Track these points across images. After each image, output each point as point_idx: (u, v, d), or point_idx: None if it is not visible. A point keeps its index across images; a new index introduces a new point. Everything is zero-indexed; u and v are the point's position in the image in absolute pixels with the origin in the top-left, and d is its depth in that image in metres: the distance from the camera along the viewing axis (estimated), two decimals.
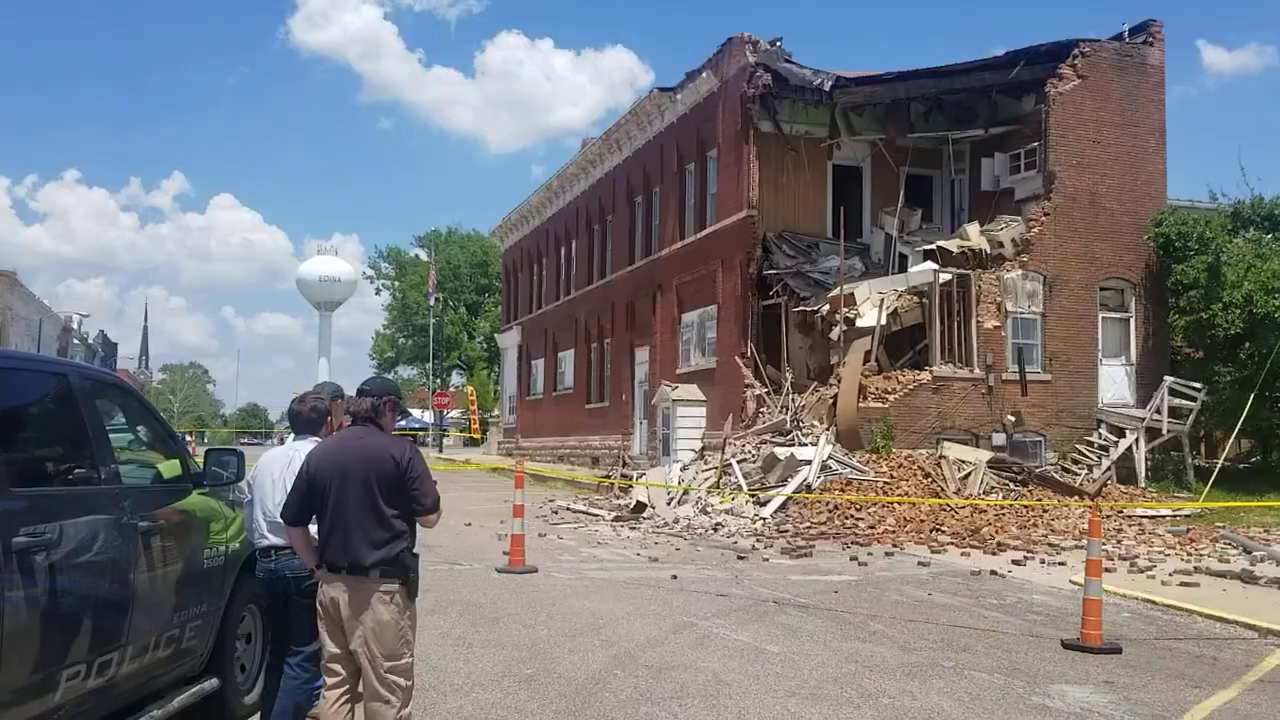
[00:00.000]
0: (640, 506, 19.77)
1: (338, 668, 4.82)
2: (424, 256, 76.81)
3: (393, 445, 4.80)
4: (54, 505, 4.51)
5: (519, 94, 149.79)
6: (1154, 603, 10.76)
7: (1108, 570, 12.31)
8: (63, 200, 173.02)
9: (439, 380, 73.52)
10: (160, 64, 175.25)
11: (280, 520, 5.17)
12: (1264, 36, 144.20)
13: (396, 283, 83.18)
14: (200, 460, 6.13)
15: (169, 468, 5.90)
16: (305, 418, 5.67)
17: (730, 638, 8.75)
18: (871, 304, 21.77)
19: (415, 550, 4.90)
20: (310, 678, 5.37)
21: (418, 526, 4.93)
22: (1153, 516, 18.40)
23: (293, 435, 5.80)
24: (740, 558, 14.00)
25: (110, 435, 5.29)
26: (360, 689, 4.83)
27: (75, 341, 69.82)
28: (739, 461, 19.88)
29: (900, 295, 22.08)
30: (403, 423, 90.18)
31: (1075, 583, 11.37)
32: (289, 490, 5.07)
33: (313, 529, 4.97)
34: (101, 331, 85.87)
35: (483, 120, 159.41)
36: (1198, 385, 22.04)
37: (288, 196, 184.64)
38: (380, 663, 4.68)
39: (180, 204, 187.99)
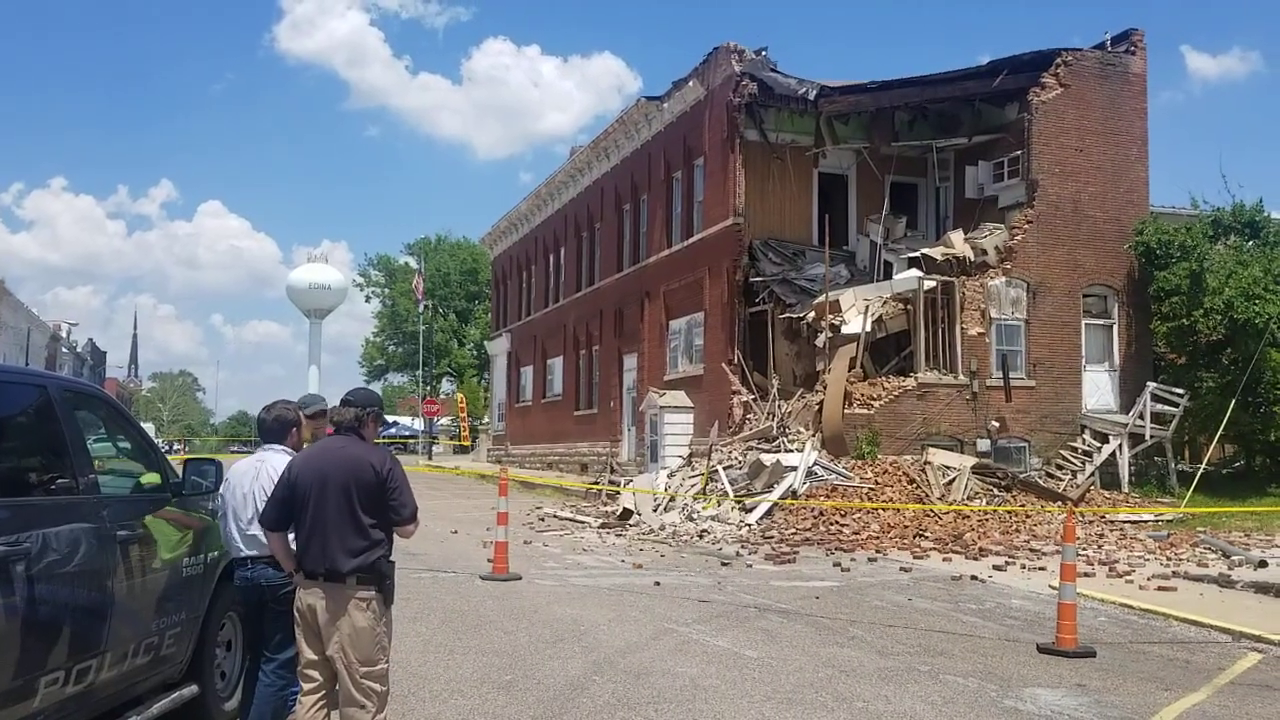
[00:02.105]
0: (627, 513, 19.85)
1: (314, 674, 4.89)
2: (413, 264, 76.85)
3: (373, 455, 4.90)
4: (34, 515, 4.58)
5: (506, 100, 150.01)
6: (1131, 607, 10.88)
7: (1087, 575, 12.48)
8: (49, 207, 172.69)
9: (429, 387, 73.55)
10: (147, 71, 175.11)
11: (252, 532, 5.31)
12: (1248, 42, 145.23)
13: (386, 290, 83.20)
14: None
15: (149, 477, 5.96)
16: (269, 426, 5.72)
17: (710, 643, 8.83)
18: (857, 311, 21.91)
19: (392, 558, 4.98)
20: (285, 684, 5.44)
21: (394, 535, 5.02)
22: (1135, 521, 18.54)
23: (262, 445, 5.84)
24: (724, 564, 14.08)
25: (90, 445, 5.37)
26: (336, 694, 4.90)
27: (64, 350, 69.69)
28: (725, 468, 19.98)
29: (885, 302, 22.23)
30: (392, 430, 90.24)
31: (1054, 587, 11.42)
32: (268, 496, 5.16)
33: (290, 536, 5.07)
34: (90, 340, 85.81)
35: (470, 127, 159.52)
36: (1180, 391, 22.21)
37: (276, 204, 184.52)
38: (356, 668, 4.76)
39: (168, 211, 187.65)
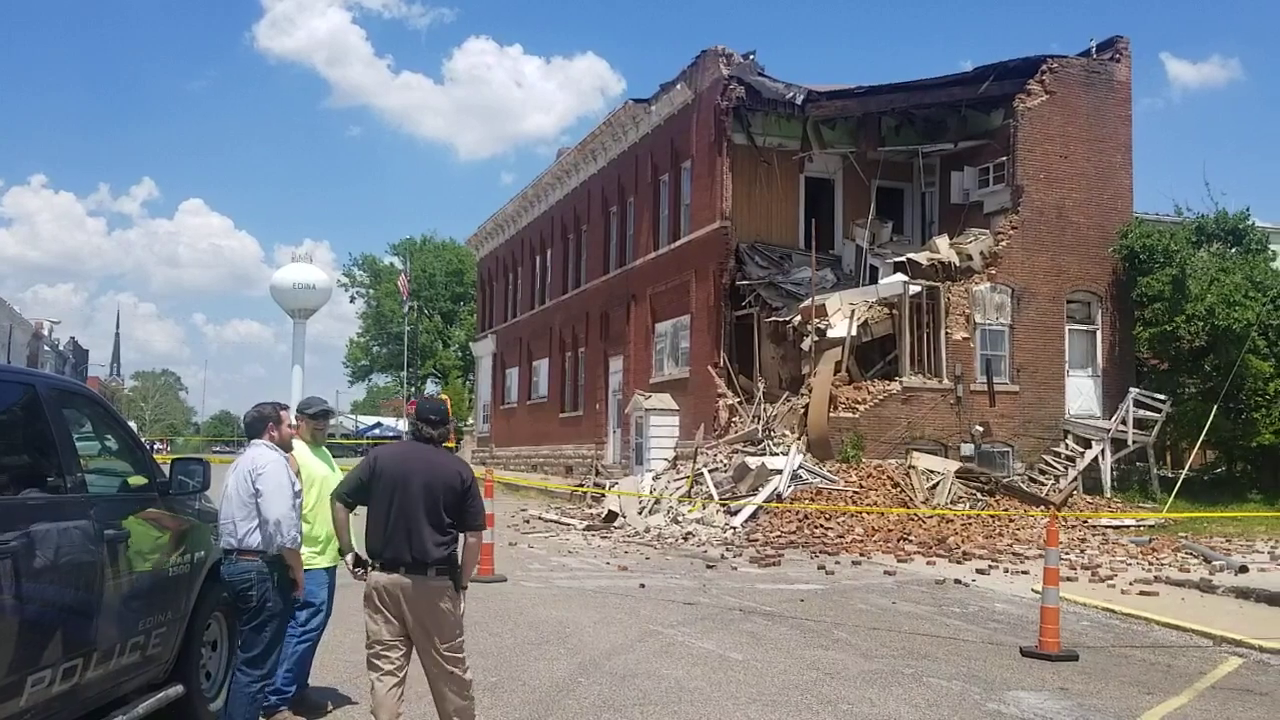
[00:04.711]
0: (612, 516, 19.87)
1: (392, 655, 5.29)
2: (398, 265, 76.64)
3: (459, 466, 5.46)
4: (20, 513, 4.56)
5: (488, 101, 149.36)
6: (1113, 611, 10.96)
7: (1070, 579, 12.57)
8: (29, 204, 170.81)
9: (413, 389, 73.38)
10: (127, 69, 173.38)
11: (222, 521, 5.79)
12: (1227, 49, 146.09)
13: (371, 290, 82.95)
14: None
15: (136, 477, 5.95)
16: (248, 422, 6.11)
17: (695, 645, 8.86)
18: (842, 315, 21.99)
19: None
20: (250, 681, 5.66)
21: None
22: (1117, 526, 18.66)
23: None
24: (709, 566, 14.12)
25: (77, 444, 5.35)
26: (404, 679, 5.38)
27: (46, 348, 69.31)
28: (711, 471, 20.02)
29: (871, 307, 22.31)
30: (376, 430, 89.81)
31: (1037, 591, 11.47)
32: (248, 489, 5.73)
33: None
34: (73, 338, 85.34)
35: (453, 127, 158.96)
36: (1162, 397, 22.36)
37: (257, 202, 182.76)
38: (441, 649, 5.27)
39: (149, 209, 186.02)
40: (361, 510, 5.47)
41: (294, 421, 6.49)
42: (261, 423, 5.97)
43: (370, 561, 5.29)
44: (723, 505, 18.34)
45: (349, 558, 5.43)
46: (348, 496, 5.42)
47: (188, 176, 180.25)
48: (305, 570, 6.17)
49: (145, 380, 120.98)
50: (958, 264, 22.98)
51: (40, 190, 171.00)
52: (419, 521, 5.19)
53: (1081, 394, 23.65)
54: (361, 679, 7.43)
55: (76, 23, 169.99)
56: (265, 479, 5.68)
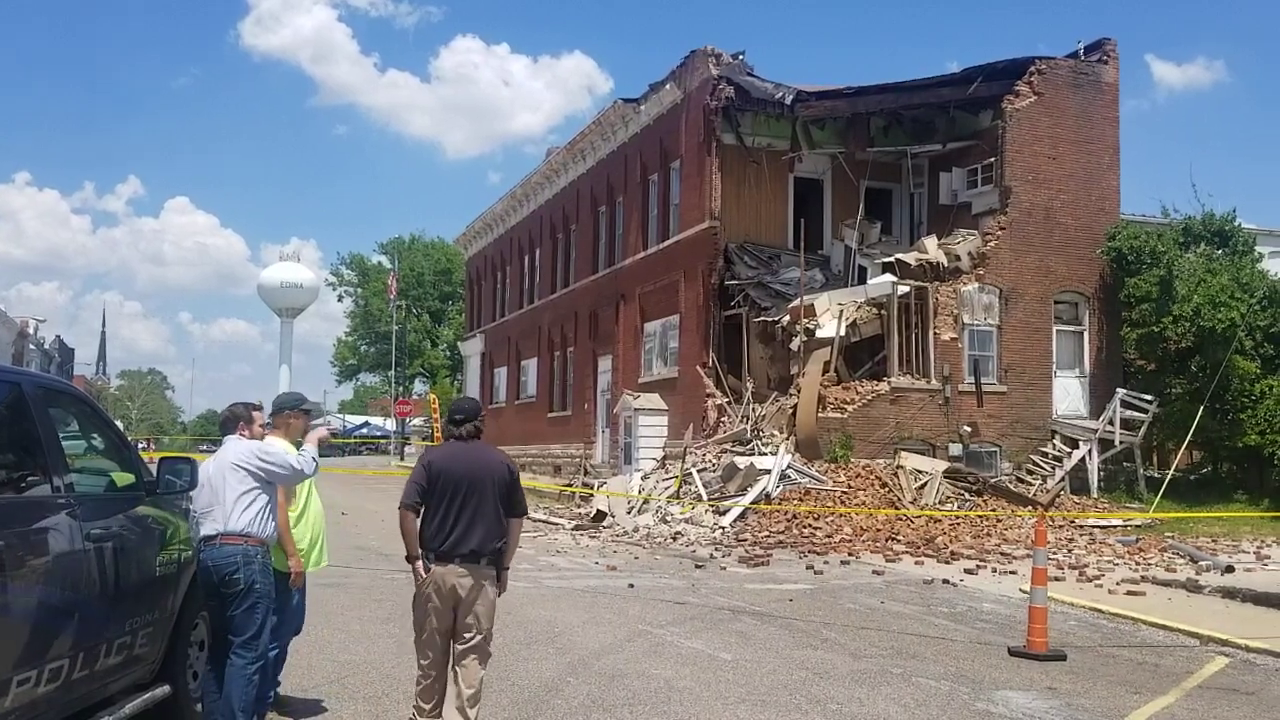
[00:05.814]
0: (600, 515, 19.87)
1: (440, 643, 5.59)
2: (386, 264, 76.46)
3: (505, 458, 5.85)
4: (6, 513, 4.54)
5: (476, 99, 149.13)
6: (1101, 611, 11.00)
7: (1057, 579, 12.61)
8: (13, 202, 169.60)
9: (401, 388, 73.23)
10: (112, 66, 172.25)
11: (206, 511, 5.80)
12: (1212, 51, 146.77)
13: (359, 289, 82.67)
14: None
15: (122, 476, 5.92)
16: (221, 421, 6.29)
17: (684, 645, 8.85)
18: (831, 315, 22.01)
19: None
20: (246, 663, 5.65)
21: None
22: (1104, 526, 18.72)
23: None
24: (698, 566, 14.11)
25: (64, 443, 5.32)
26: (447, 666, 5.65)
27: (31, 347, 68.97)
28: (699, 470, 20.02)
29: (859, 307, 22.34)
30: (364, 430, 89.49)
31: (1025, 591, 11.53)
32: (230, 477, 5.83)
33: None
34: (58, 337, 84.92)
35: (440, 126, 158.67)
36: (1149, 397, 22.45)
37: (243, 200, 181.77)
38: (484, 634, 5.63)
39: (134, 207, 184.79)
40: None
41: (268, 420, 6.59)
42: (234, 421, 6.15)
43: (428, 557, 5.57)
44: (711, 505, 18.35)
45: (419, 563, 5.58)
46: (418, 502, 5.59)
47: (173, 174, 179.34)
48: (275, 571, 6.16)
49: (131, 379, 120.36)
50: (946, 264, 23.04)
51: (24, 188, 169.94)
52: (480, 517, 5.56)
53: (1069, 394, 23.72)
54: (350, 678, 7.44)
55: (60, 19, 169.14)
56: (265, 449, 5.94)
